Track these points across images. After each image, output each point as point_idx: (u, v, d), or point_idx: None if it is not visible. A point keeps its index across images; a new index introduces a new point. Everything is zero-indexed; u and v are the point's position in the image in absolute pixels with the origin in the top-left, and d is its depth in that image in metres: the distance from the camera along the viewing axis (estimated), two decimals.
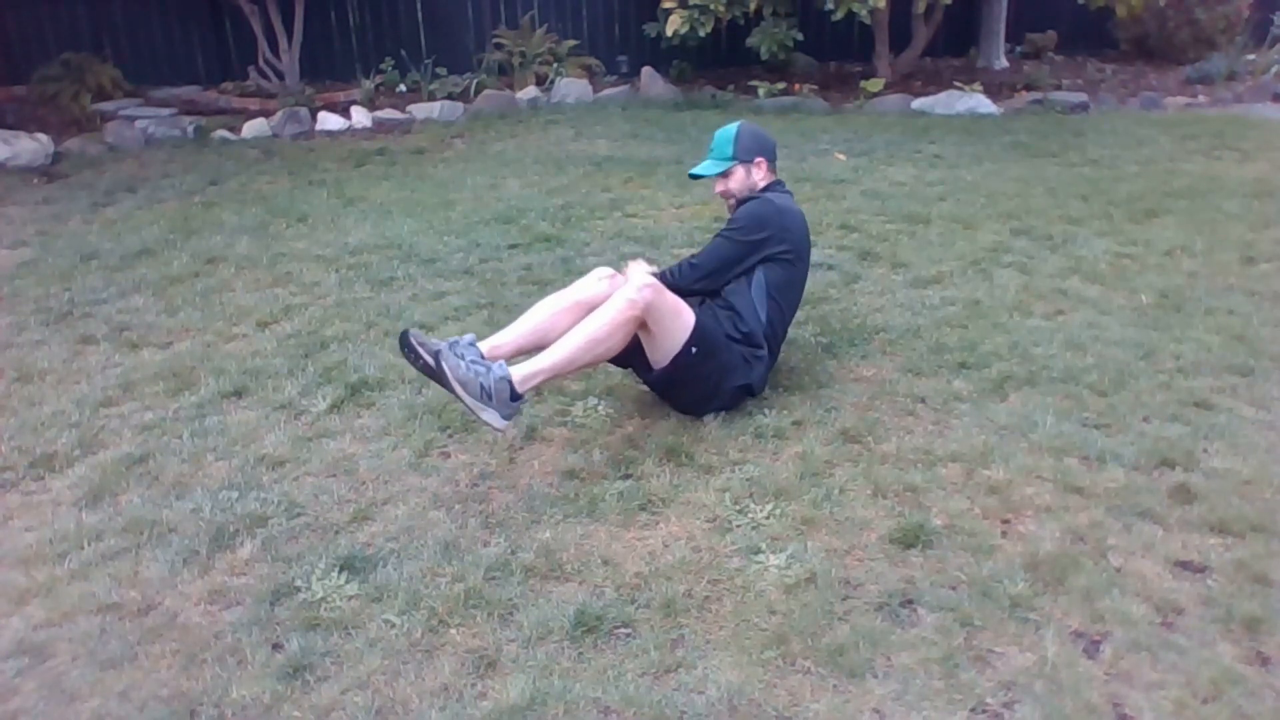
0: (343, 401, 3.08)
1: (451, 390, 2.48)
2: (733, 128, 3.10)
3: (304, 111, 7.46)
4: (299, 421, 2.98)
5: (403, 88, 8.50)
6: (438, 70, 8.54)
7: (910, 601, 2.15)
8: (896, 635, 2.05)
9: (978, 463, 2.67)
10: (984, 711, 1.86)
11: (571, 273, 3.92)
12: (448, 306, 3.85)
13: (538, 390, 2.79)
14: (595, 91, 8.27)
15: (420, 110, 7.75)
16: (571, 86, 8.19)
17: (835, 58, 9.37)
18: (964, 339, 3.44)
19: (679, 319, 2.79)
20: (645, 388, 3.03)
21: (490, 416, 2.51)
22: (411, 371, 3.12)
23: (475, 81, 8.31)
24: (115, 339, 3.62)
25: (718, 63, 9.20)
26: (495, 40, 8.72)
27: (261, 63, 8.23)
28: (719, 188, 3.12)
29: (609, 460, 2.72)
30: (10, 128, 6.78)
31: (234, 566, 2.31)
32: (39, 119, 7.33)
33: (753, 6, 7.80)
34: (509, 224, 4.86)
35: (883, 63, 8.47)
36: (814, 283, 3.64)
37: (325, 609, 2.15)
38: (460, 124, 7.50)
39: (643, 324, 2.74)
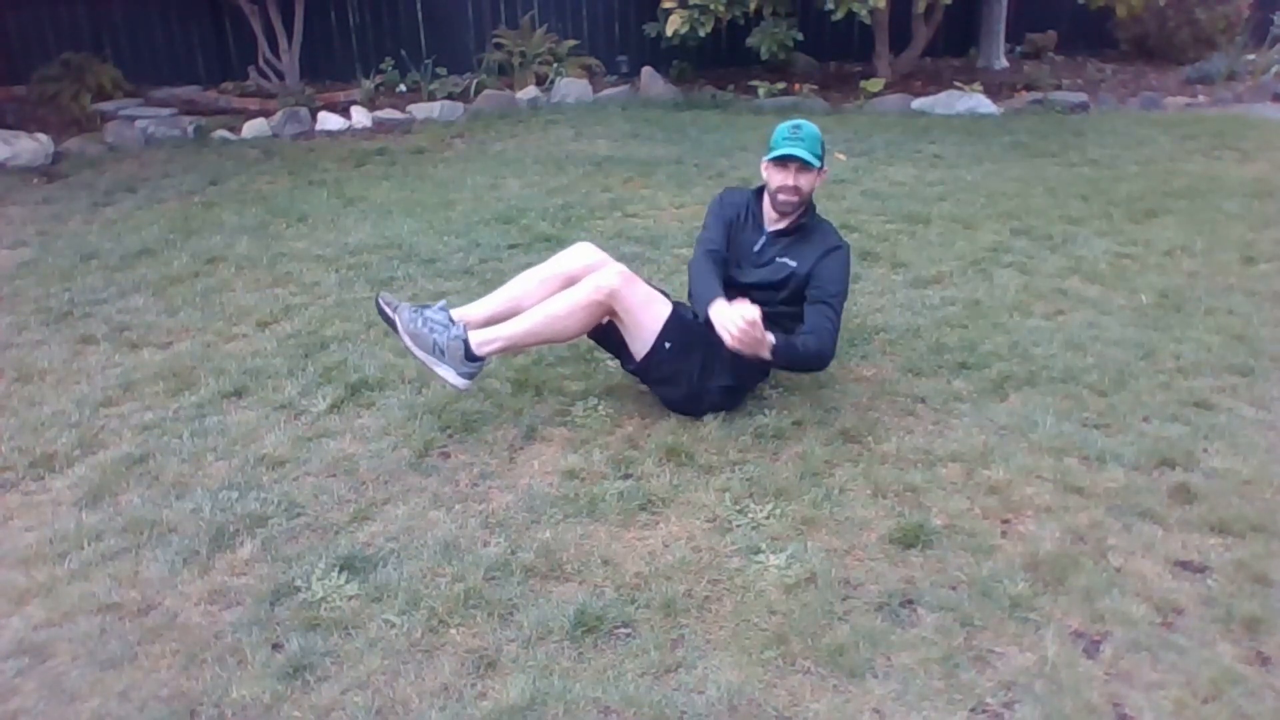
0: (343, 401, 3.08)
1: (402, 343, 2.75)
2: (816, 129, 2.88)
3: (304, 111, 7.45)
4: (299, 421, 2.98)
5: (403, 88, 8.49)
6: (438, 70, 8.53)
7: (910, 601, 2.15)
8: (896, 635, 2.05)
9: (978, 463, 2.68)
10: (984, 711, 1.86)
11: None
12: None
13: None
14: (595, 91, 8.26)
15: (420, 110, 7.75)
16: (571, 86, 8.19)
17: (835, 58, 9.36)
18: (964, 339, 3.45)
19: (649, 310, 2.82)
20: (645, 388, 3.04)
21: (445, 372, 2.74)
22: (411, 371, 3.18)
23: (475, 81, 8.31)
24: (115, 339, 3.62)
25: (718, 63, 9.19)
26: (495, 40, 8.72)
27: (261, 63, 8.22)
28: (797, 181, 2.85)
29: (609, 460, 2.72)
30: (10, 128, 6.77)
31: (234, 566, 2.30)
32: (39, 119, 7.32)
33: (753, 6, 7.79)
34: (509, 224, 4.86)
35: (883, 63, 8.47)
36: None
37: (325, 609, 2.14)
38: (460, 124, 7.50)
39: (614, 313, 2.80)
